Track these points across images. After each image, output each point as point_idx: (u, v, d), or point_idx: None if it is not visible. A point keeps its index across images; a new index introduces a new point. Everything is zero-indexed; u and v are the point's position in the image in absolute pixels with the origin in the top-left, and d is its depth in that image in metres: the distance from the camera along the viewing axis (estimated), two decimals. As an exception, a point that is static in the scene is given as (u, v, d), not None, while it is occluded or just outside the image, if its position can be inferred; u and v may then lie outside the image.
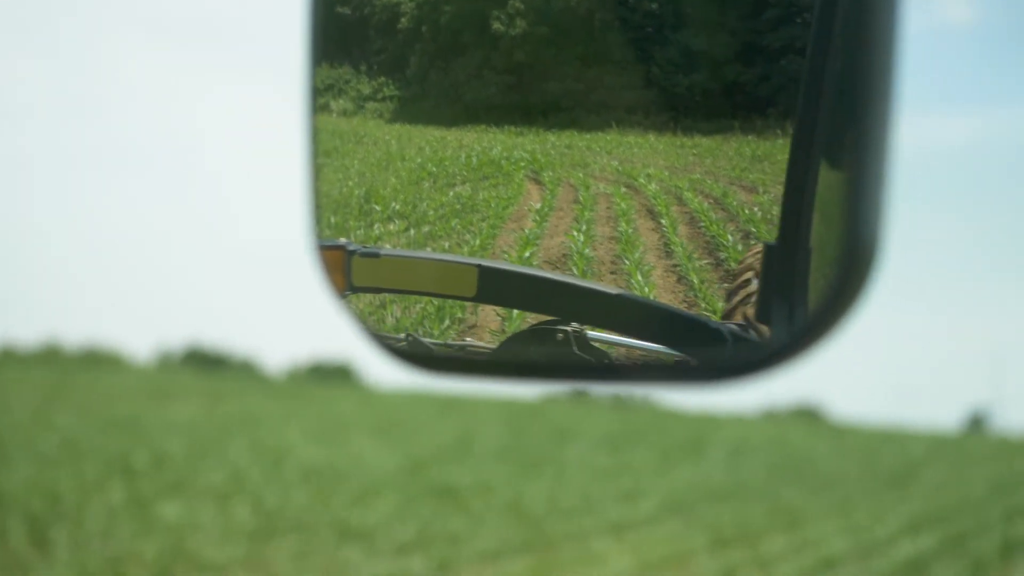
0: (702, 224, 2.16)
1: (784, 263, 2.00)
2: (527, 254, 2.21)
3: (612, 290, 2.15)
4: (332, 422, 22.59)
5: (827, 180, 1.89)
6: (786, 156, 2.01)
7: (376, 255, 2.16)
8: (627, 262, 2.17)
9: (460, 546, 12.96)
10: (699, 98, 2.12)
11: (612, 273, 2.17)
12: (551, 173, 2.22)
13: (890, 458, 24.05)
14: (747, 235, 2.10)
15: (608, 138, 2.17)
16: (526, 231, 2.22)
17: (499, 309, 2.22)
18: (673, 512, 15.80)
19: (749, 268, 2.09)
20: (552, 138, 2.18)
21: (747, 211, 2.12)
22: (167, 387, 26.58)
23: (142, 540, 11.65)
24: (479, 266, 2.14)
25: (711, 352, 2.08)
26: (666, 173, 2.19)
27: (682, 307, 2.11)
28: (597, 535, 14.10)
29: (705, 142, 2.12)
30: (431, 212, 2.29)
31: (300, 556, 11.95)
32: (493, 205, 2.26)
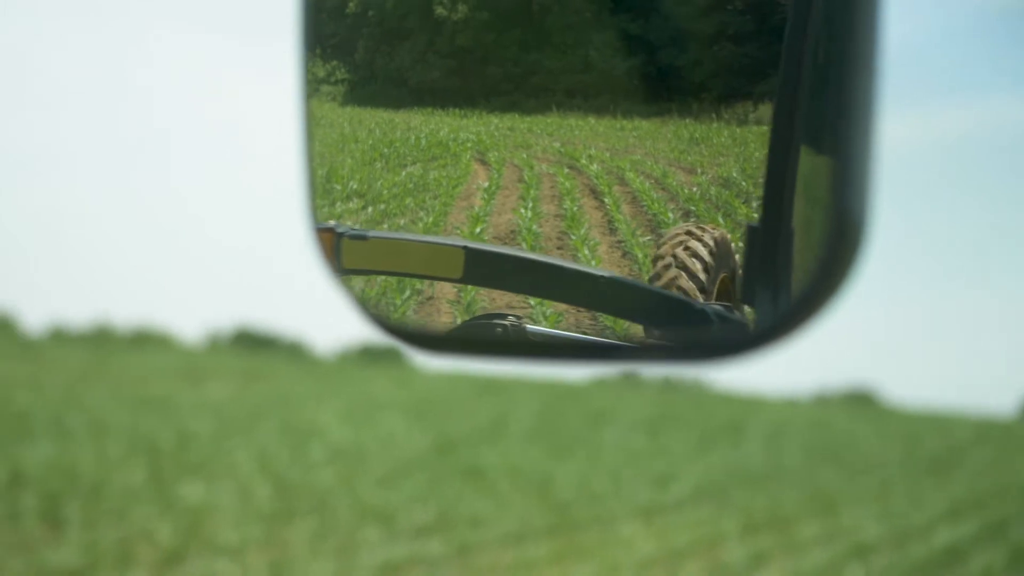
0: (644, 203, 2.24)
1: (767, 244, 2.03)
2: (478, 230, 2.26)
3: (599, 272, 2.18)
4: (367, 403, 22.38)
5: (810, 162, 1.93)
6: (721, 140, 2.10)
7: (364, 237, 2.18)
8: (573, 238, 2.24)
9: (482, 529, 12.70)
10: (637, 82, 2.20)
11: (559, 248, 2.25)
12: (496, 154, 2.29)
13: (935, 443, 23.61)
14: (687, 213, 2.17)
15: (549, 120, 2.23)
16: (476, 208, 2.27)
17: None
18: (706, 496, 15.49)
19: (667, 254, 2.14)
20: (495, 120, 2.23)
21: (686, 191, 2.18)
22: (205, 368, 26.44)
23: (158, 520, 11.43)
24: (466, 248, 2.16)
25: (698, 332, 2.11)
26: (607, 154, 2.26)
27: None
28: (625, 519, 13.81)
29: (644, 125, 2.20)
30: (385, 191, 2.34)
31: (317, 537, 11.71)
32: (443, 184, 2.33)
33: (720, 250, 2.21)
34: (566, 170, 2.31)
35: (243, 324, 43.62)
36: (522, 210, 2.27)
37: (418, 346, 2.09)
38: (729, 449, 19.96)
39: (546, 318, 2.21)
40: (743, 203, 2.24)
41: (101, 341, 34.83)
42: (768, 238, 2.05)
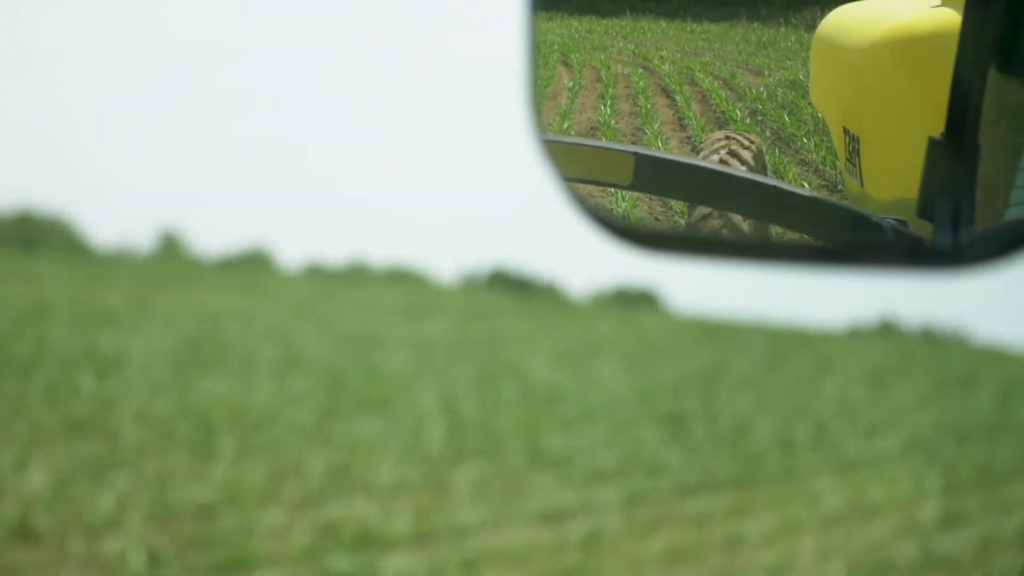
0: (713, 102, 2.33)
1: (950, 159, 2.03)
2: (565, 125, 2.30)
3: (769, 181, 2.22)
4: (586, 346, 21.81)
5: (1004, 79, 1.93)
6: (788, 44, 2.24)
7: (547, 142, 2.18)
8: (648, 133, 2.32)
9: (661, 477, 12.02)
10: None
11: (633, 143, 2.30)
12: (577, 55, 2.32)
13: None
14: (754, 112, 2.28)
15: (623, 23, 2.32)
16: (562, 106, 2.32)
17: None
18: (914, 451, 14.49)
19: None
20: (575, 23, 2.27)
21: (754, 91, 2.29)
22: (429, 305, 26.22)
23: (313, 458, 11.05)
24: (636, 154, 2.19)
25: (874, 242, 2.11)
26: (678, 56, 2.36)
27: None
28: (820, 473, 12.96)
29: (713, 28, 2.31)
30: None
31: (480, 482, 11.19)
32: (538, 84, 2.32)
33: (758, 162, 2.27)
34: (640, 70, 2.38)
35: (500, 265, 43.55)
36: (602, 107, 2.32)
37: (637, 244, 2.08)
38: (954, 403, 18.80)
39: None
40: (808, 104, 2.35)
41: (355, 278, 35.03)
42: (951, 152, 2.02)
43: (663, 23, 2.34)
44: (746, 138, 2.33)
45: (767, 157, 2.28)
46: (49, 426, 11.05)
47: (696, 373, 19.26)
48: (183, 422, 11.78)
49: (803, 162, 2.39)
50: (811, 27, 2.34)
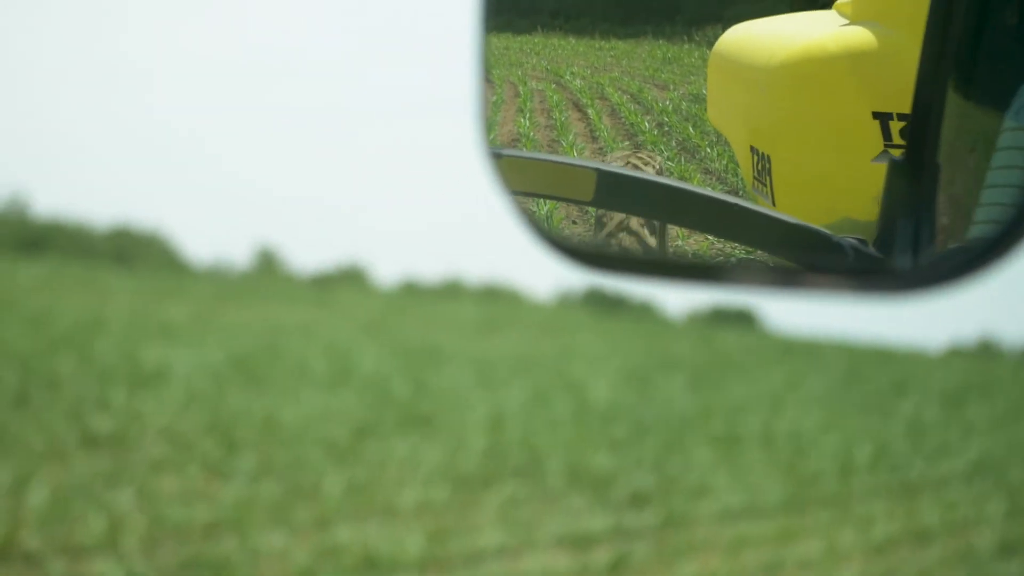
0: (622, 115, 2.52)
1: (910, 179, 2.07)
2: (491, 136, 2.31)
3: (730, 199, 2.26)
4: (656, 363, 21.28)
5: (964, 100, 1.98)
6: (692, 60, 2.37)
7: (499, 155, 2.20)
8: (563, 144, 2.48)
9: (705, 501, 11.51)
10: (615, 4, 2.45)
11: (559, 152, 2.49)
12: (497, 71, 2.38)
13: None
14: (661, 124, 2.44)
15: (535, 40, 2.42)
16: (487, 119, 2.32)
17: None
18: (979, 474, 13.82)
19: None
20: (494, 40, 2.29)
21: (660, 105, 2.46)
22: (503, 319, 25.81)
23: (335, 478, 10.66)
24: (598, 170, 2.20)
25: (833, 262, 2.11)
26: (588, 72, 2.55)
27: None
28: (876, 496, 12.37)
29: (621, 45, 2.47)
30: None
31: (512, 503, 10.75)
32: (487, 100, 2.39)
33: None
34: (552, 86, 2.48)
35: (595, 285, 43.05)
36: (521, 120, 2.42)
37: (582, 262, 2.06)
38: (1034, 424, 18.05)
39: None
40: None
41: (449, 295, 34.73)
42: (911, 173, 2.04)
43: (573, 40, 2.40)
44: (647, 155, 2.36)
45: (667, 173, 2.34)
46: (67, 440, 10.77)
47: (766, 392, 18.67)
48: (207, 438, 11.44)
49: (707, 171, 2.45)
50: (712, 43, 2.39)
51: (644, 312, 38.66)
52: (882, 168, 2.88)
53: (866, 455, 14.18)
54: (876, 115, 3.04)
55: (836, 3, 3.65)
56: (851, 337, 31.41)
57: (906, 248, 2.01)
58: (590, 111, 2.48)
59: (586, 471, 12.04)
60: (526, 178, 2.26)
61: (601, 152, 2.41)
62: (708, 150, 2.47)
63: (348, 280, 38.15)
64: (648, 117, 2.41)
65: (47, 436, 10.76)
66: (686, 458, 13.15)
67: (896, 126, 2.91)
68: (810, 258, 2.17)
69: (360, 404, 14.06)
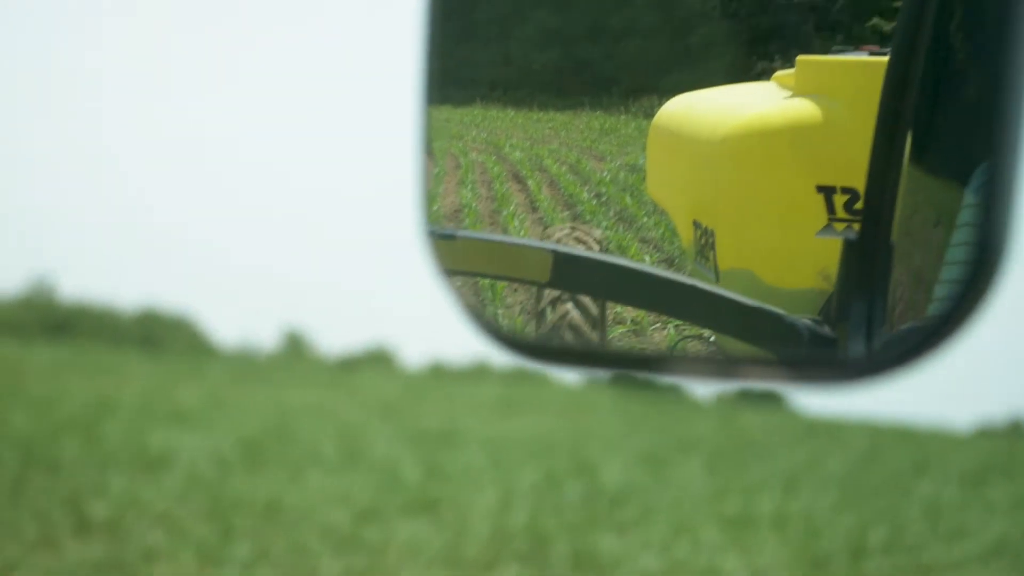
0: (561, 186, 2.59)
1: (864, 259, 2.04)
2: (435, 207, 2.38)
3: (686, 280, 2.28)
4: (676, 444, 21.05)
5: (922, 179, 1.95)
6: (628, 131, 2.46)
7: (453, 236, 2.19)
8: (504, 214, 2.54)
9: (710, 584, 11.30)
10: (553, 75, 2.45)
11: (491, 225, 2.53)
12: (438, 143, 2.35)
13: None
14: (599, 195, 2.50)
15: (475, 112, 2.49)
16: (430, 191, 2.38)
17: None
18: (999, 556, 13.54)
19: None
20: (434, 112, 2.24)
21: (597, 175, 2.53)
22: (525, 401, 25.62)
23: (331, 564, 10.50)
24: (555, 251, 2.18)
25: (789, 348, 2.10)
26: (527, 143, 2.60)
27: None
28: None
29: (559, 117, 2.54)
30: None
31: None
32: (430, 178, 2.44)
33: (602, 250, 2.38)
34: (493, 157, 2.52)
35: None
36: (463, 191, 2.44)
37: (518, 353, 2.03)
38: (1055, 505, 17.70)
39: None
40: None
41: (477, 377, 34.57)
42: (866, 252, 2.00)
43: (511, 112, 2.42)
44: (586, 229, 2.33)
45: (606, 244, 2.35)
46: (61, 527, 10.64)
47: (783, 472, 18.41)
48: (205, 524, 11.30)
49: (644, 240, 2.46)
50: (649, 115, 2.40)
51: (670, 393, 38.38)
52: (827, 242, 2.70)
53: (881, 536, 13.93)
54: (820, 189, 2.87)
55: (776, 75, 3.60)
56: (876, 416, 31.09)
57: (860, 329, 1.95)
58: (530, 182, 2.51)
59: (591, 555, 11.85)
60: (480, 259, 2.22)
61: (541, 223, 2.43)
62: (645, 219, 2.48)
63: (374, 362, 37.98)
64: (586, 188, 2.44)
65: (41, 523, 10.64)
66: (695, 540, 12.93)
67: (840, 199, 2.80)
68: (765, 340, 2.12)
69: (366, 488, 13.90)
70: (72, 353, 26.17)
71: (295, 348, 38.50)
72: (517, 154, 2.49)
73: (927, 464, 20.74)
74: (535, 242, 2.26)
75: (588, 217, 2.40)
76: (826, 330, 2.08)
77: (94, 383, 20.89)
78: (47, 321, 34.78)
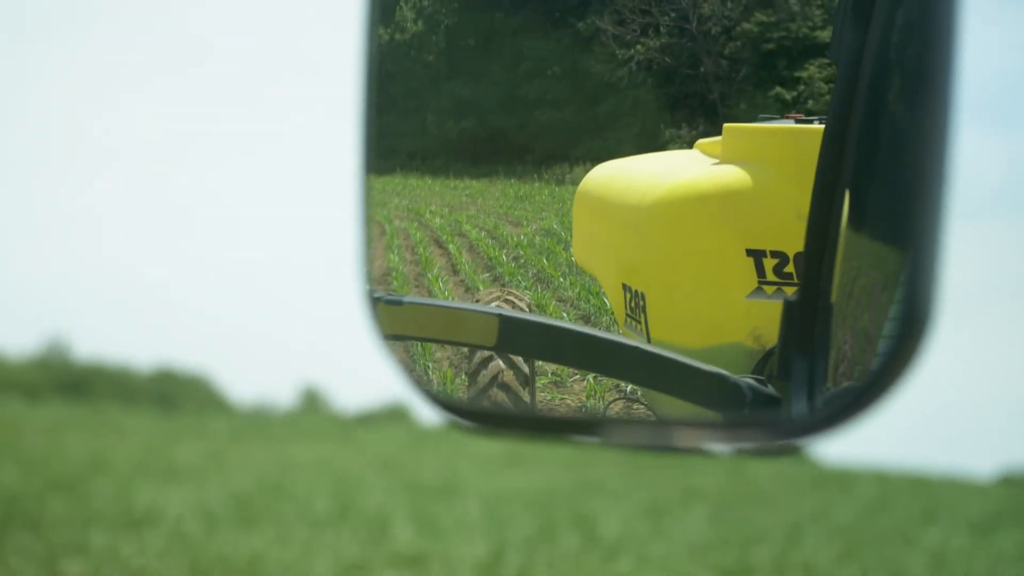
0: (480, 249, 2.27)
1: (804, 319, 2.05)
2: (367, 270, 2.25)
3: (631, 342, 2.26)
4: (680, 496, 20.77)
5: (857, 241, 1.96)
6: (542, 197, 2.07)
7: (399, 302, 2.20)
8: (429, 276, 2.44)
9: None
10: (468, 144, 2.06)
11: (416, 287, 2.34)
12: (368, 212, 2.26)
13: None
14: (517, 257, 2.09)
15: (396, 181, 2.20)
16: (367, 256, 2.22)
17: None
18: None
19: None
20: (371, 180, 2.23)
21: (515, 239, 2.00)
22: (528, 455, 25.37)
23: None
24: (500, 315, 2.20)
25: (732, 408, 2.15)
26: (446, 210, 2.48)
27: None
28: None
29: (475, 184, 2.36)
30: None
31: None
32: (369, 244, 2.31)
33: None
34: (415, 224, 2.51)
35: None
36: (391, 255, 2.50)
37: (457, 418, 2.02)
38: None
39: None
40: (564, 249, 2.77)
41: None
42: (805, 313, 2.04)
43: (429, 180, 2.60)
44: (518, 293, 2.50)
45: (533, 307, 2.32)
46: (33, 585, 10.47)
47: (787, 522, 18.12)
48: (183, 579, 11.12)
49: (561, 299, 2.72)
50: (561, 181, 2.67)
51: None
52: (757, 304, 2.80)
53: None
54: (750, 252, 2.90)
55: (699, 143, 3.57)
56: (891, 465, 30.75)
57: (802, 387, 1.96)
58: (451, 247, 2.48)
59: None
60: (426, 324, 2.20)
61: (463, 284, 2.52)
62: (562, 280, 2.58)
63: (391, 418, 37.78)
64: (505, 251, 2.48)
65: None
66: (688, 593, 12.68)
67: (770, 263, 2.81)
68: (709, 400, 2.13)
69: (353, 542, 13.69)
70: (85, 412, 26.07)
71: (311, 405, 38.34)
72: (437, 220, 2.57)
73: (936, 512, 20.42)
74: (480, 307, 2.31)
75: (507, 279, 2.54)
76: (769, 389, 2.10)
77: (94, 441, 20.75)
78: (62, 380, 34.72)
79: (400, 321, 2.19)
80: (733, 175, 2.77)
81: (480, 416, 2.14)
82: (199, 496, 15.51)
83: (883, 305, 1.79)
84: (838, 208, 2.00)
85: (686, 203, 2.78)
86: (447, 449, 25.41)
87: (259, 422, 29.90)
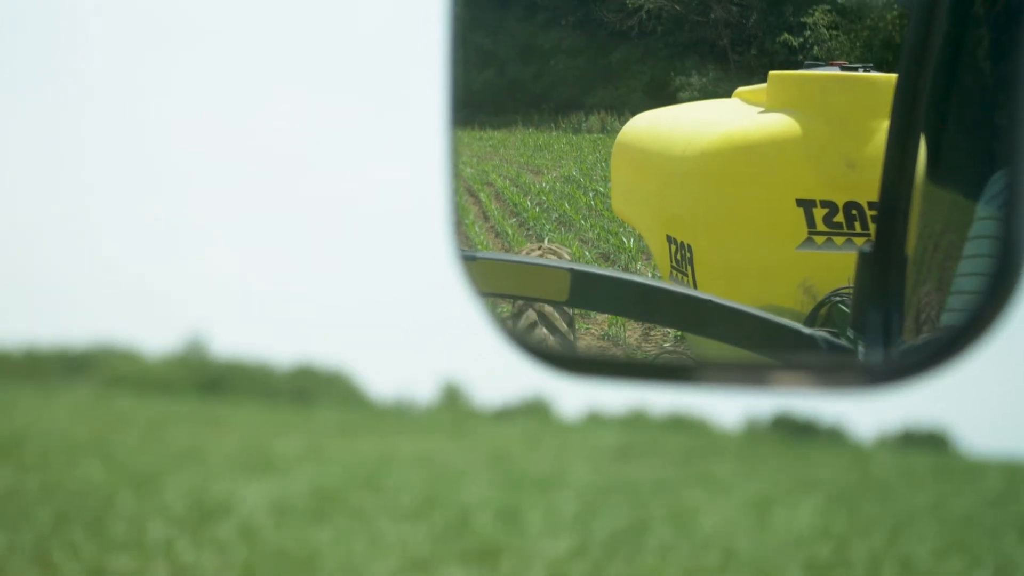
0: (506, 197, 1.96)
1: (879, 271, 2.07)
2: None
3: (703, 296, 2.32)
4: (793, 485, 20.07)
5: (936, 193, 1.95)
6: (560, 146, 2.27)
7: (473, 258, 2.27)
8: (465, 223, 1.72)
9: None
10: (489, 95, 1.98)
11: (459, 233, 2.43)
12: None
13: None
14: (540, 203, 1.90)
15: None
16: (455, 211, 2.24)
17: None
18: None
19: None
20: (457, 134, 2.23)
21: (536, 187, 1.93)
22: (639, 446, 24.80)
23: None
24: (572, 270, 2.26)
25: (809, 358, 2.13)
26: (475, 160, 2.19)
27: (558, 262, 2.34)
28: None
29: (496, 135, 2.31)
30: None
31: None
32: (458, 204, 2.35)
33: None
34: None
35: (783, 410, 41.60)
36: None
37: (559, 368, 2.00)
38: None
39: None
40: (583, 194, 3.20)
41: (633, 425, 33.87)
42: (880, 265, 2.04)
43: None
44: (556, 246, 2.69)
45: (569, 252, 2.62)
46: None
47: (898, 515, 17.37)
48: (232, 572, 10.79)
49: (583, 240, 2.77)
50: (577, 130, 3.13)
51: (835, 436, 37.09)
52: (807, 254, 2.74)
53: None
54: (800, 202, 2.85)
55: (738, 91, 3.33)
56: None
57: (877, 340, 1.94)
58: (481, 195, 2.80)
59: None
60: (500, 280, 2.23)
61: (494, 230, 2.83)
62: (583, 222, 2.88)
63: (530, 413, 37.46)
64: (528, 198, 2.67)
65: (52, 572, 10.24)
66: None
67: (819, 213, 2.77)
68: (783, 353, 2.11)
69: (428, 537, 13.27)
70: (224, 408, 26.06)
71: (451, 400, 38.13)
72: (468, 170, 2.60)
73: (1012, 495, 19.56)
74: (553, 262, 2.29)
75: (532, 223, 2.64)
76: (843, 342, 2.08)
77: (194, 435, 20.63)
78: (200, 379, 34.89)
79: (476, 277, 2.14)
80: (782, 124, 2.73)
81: (574, 363, 2.07)
82: (280, 489, 15.22)
83: (953, 258, 1.74)
84: (912, 158, 1.95)
85: (735, 153, 2.74)
86: (562, 442, 24.96)
87: (404, 418, 29.70)
